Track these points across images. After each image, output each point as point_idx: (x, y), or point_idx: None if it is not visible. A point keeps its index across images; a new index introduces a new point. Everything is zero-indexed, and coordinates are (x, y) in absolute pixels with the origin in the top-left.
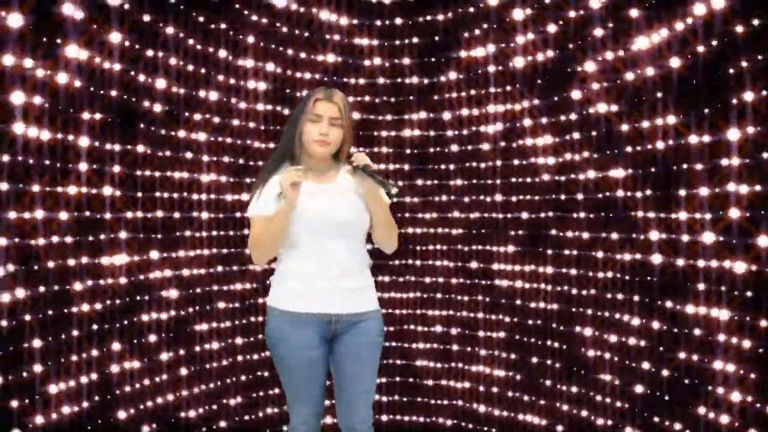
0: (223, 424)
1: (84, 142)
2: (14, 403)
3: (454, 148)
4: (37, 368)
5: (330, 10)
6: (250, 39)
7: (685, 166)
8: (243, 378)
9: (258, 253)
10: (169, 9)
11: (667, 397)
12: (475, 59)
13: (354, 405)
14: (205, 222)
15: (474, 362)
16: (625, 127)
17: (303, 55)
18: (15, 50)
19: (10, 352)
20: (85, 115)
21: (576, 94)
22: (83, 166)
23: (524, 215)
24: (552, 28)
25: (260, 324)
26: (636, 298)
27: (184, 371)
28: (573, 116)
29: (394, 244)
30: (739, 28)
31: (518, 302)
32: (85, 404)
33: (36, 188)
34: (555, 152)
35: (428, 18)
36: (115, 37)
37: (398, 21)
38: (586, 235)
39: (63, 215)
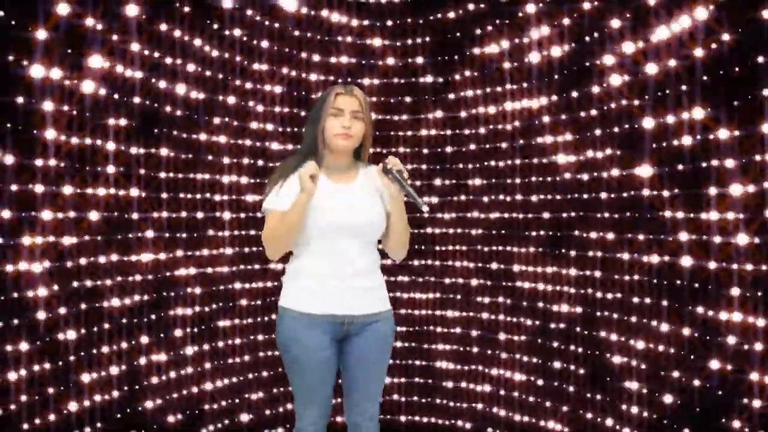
0: (244, 417)
1: (110, 146)
2: (50, 390)
3: (472, 146)
4: (71, 358)
5: (340, 12)
6: (264, 44)
7: (715, 162)
8: (264, 374)
9: (272, 246)
10: (185, 18)
11: (697, 409)
12: (489, 56)
13: (361, 403)
14: (227, 222)
15: (494, 365)
16: (648, 123)
17: (316, 57)
18: (43, 62)
19: (47, 343)
20: (111, 121)
21: (595, 89)
22: (111, 169)
23: (545, 215)
24: (566, 21)
25: None
26: (664, 302)
27: (208, 365)
28: (593, 112)
29: (404, 253)
30: None
31: (540, 305)
32: (115, 393)
33: (68, 190)
34: (576, 150)
35: (439, 16)
36: (134, 47)
37: (409, 20)
38: (611, 236)
39: (93, 215)
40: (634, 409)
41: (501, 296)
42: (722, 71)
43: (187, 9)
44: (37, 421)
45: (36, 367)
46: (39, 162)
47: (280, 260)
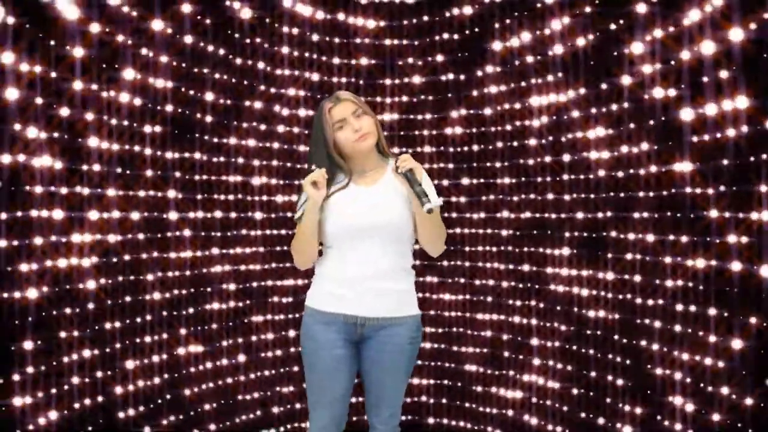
0: (275, 409)
1: (148, 151)
2: (99, 374)
3: (499, 144)
4: (117, 346)
5: (356, 15)
6: (285, 50)
7: (765, 156)
8: (295, 369)
9: (296, 258)
10: (209, 30)
11: (750, 431)
12: (511, 50)
13: (376, 405)
14: (259, 222)
15: (526, 371)
16: (686, 114)
17: (336, 60)
18: (83, 77)
19: (96, 331)
20: (147, 128)
21: (625, 80)
22: (149, 173)
23: (579, 215)
24: (589, 9)
25: None
26: (712, 311)
27: (242, 358)
28: (625, 104)
29: (438, 248)
30: None
31: (575, 309)
32: (156, 380)
33: (111, 192)
34: (609, 145)
35: (456, 12)
36: (163, 59)
37: (425, 18)
38: (650, 238)
39: (135, 215)
40: (678, 427)
41: (533, 299)
42: (766, 55)
43: (208, 21)
44: (87, 401)
45: (86, 353)
46: (85, 167)
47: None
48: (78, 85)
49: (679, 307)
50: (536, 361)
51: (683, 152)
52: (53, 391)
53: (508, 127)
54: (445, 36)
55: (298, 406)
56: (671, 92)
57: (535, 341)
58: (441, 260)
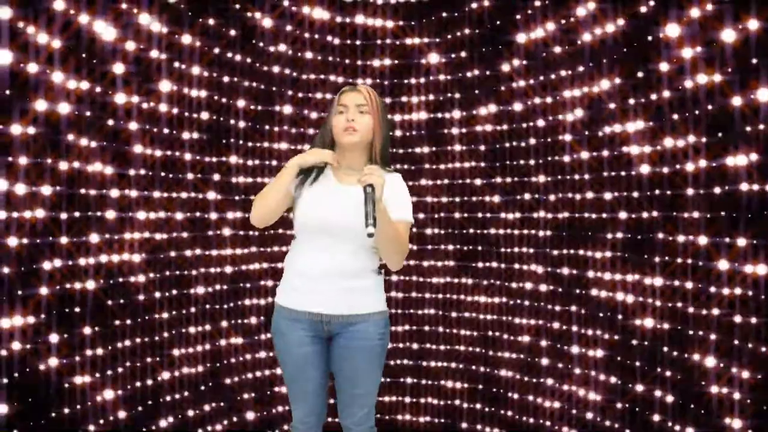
0: None
1: (188, 156)
2: (148, 360)
3: (532, 141)
4: (165, 335)
5: (374, 16)
6: (309, 54)
7: None
8: None
9: (253, 211)
10: (235, 40)
11: None
12: (535, 41)
13: (349, 406)
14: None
15: (566, 381)
16: (737, 101)
17: (360, 62)
18: (125, 90)
19: (145, 321)
20: (185, 135)
21: (664, 66)
22: (190, 176)
23: (622, 215)
24: None
25: None
26: None
27: None
28: (665, 93)
29: (393, 263)
30: None
31: (620, 317)
32: (200, 368)
33: (156, 194)
34: (652, 138)
35: (474, 6)
36: (195, 70)
37: (444, 14)
38: (703, 240)
39: (179, 215)
40: None
41: (573, 305)
42: None
43: (233, 32)
44: (138, 384)
45: (138, 340)
46: (132, 172)
47: None
48: (121, 98)
49: (737, 318)
50: (577, 371)
51: (736, 144)
52: (108, 372)
53: (541, 123)
54: (467, 31)
55: (332, 401)
56: (716, 77)
57: (575, 349)
58: (475, 261)
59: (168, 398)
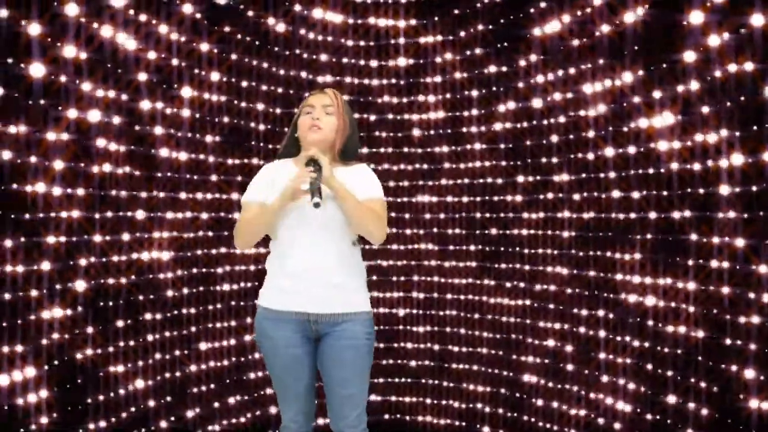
0: None
1: (211, 159)
2: (176, 352)
3: (554, 138)
4: (192, 329)
5: (387, 16)
6: (324, 57)
7: None
8: None
9: (241, 238)
10: (251, 46)
11: None
12: (551, 35)
13: (340, 409)
14: None
15: (593, 389)
16: None
17: (374, 63)
18: (149, 97)
19: (174, 315)
20: (208, 138)
21: (690, 56)
22: (213, 177)
23: (651, 215)
24: None
25: None
26: None
27: None
28: (693, 85)
29: (376, 237)
30: None
31: (650, 323)
32: (225, 362)
33: (183, 195)
34: (681, 133)
35: (486, 0)
36: (214, 77)
37: (456, 11)
38: (740, 242)
39: (204, 215)
40: None
41: (601, 309)
42: None
43: (248, 38)
44: (167, 375)
45: (167, 334)
46: (159, 174)
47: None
48: (145, 104)
49: None
50: (604, 378)
51: None
52: (140, 363)
53: (562, 119)
54: (480, 27)
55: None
56: (748, 66)
57: (602, 356)
58: (498, 262)
59: (195, 390)
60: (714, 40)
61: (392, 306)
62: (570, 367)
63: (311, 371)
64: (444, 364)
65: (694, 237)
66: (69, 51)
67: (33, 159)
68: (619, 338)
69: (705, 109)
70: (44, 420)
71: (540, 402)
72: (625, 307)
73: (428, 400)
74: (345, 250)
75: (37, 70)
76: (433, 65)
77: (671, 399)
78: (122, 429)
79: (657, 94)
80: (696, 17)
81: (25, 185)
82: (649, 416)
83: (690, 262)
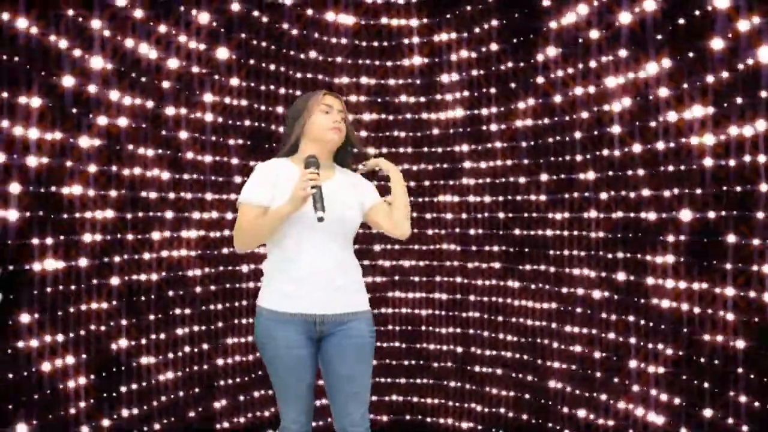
0: None
1: (234, 161)
2: (204, 346)
3: (577, 135)
4: (219, 324)
5: (398, 16)
6: (339, 59)
7: None
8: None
9: (244, 241)
10: (268, 51)
11: None
12: (568, 27)
13: (345, 407)
14: None
15: (622, 398)
16: None
17: (389, 63)
18: (174, 103)
19: (201, 311)
20: (231, 141)
21: (717, 43)
22: (237, 179)
23: (685, 215)
24: None
25: (389, 315)
26: None
27: None
28: (723, 74)
29: (407, 229)
30: None
31: (685, 331)
32: (250, 357)
33: (209, 196)
34: (714, 127)
35: None
36: (234, 82)
37: (468, 7)
38: None
39: (229, 215)
40: None
41: (631, 314)
42: None
43: (264, 44)
44: (196, 367)
45: (195, 328)
46: (186, 176)
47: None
48: (170, 110)
49: None
50: (635, 388)
51: None
52: (170, 356)
53: (585, 114)
54: (494, 22)
55: (374, 398)
56: None
57: (633, 363)
58: (523, 264)
59: (221, 383)
60: (743, 25)
61: (414, 307)
62: (598, 374)
63: (313, 371)
64: (467, 366)
65: (731, 239)
66: (96, 62)
67: (69, 163)
68: (651, 345)
69: (738, 100)
70: (82, 404)
71: (566, 409)
72: (657, 312)
73: (450, 403)
74: (347, 251)
75: (67, 81)
76: (449, 63)
77: (708, 413)
78: (152, 417)
79: (685, 85)
80: (721, 1)
81: (62, 188)
82: (683, 430)
83: (728, 266)
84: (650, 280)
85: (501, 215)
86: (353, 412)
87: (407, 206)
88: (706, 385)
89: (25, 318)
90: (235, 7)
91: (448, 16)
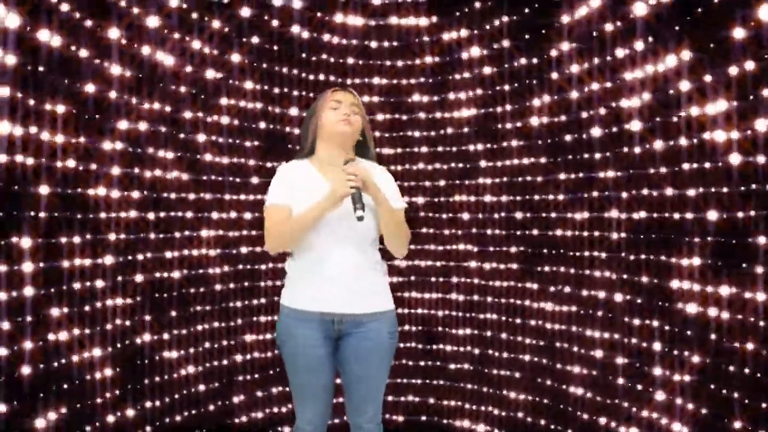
0: None
1: (251, 162)
2: (224, 342)
3: (595, 132)
4: (239, 321)
5: (408, 15)
6: (350, 60)
7: None
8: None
9: (277, 242)
10: (281, 54)
11: None
12: (580, 21)
13: (361, 405)
14: None
15: (645, 406)
16: None
17: (400, 63)
18: (191, 108)
19: (221, 308)
20: (247, 143)
21: (739, 33)
22: (255, 180)
23: (711, 215)
24: None
25: (405, 316)
26: None
27: None
28: (749, 65)
29: (401, 250)
30: None
31: (712, 337)
32: (268, 354)
33: (227, 197)
34: (739, 122)
35: None
36: (248, 85)
37: (477, 4)
38: None
39: (247, 215)
40: None
41: (655, 319)
42: None
43: (276, 47)
44: (215, 363)
45: (215, 324)
46: (205, 177)
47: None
48: (188, 114)
49: None
50: (659, 396)
51: None
52: (191, 351)
53: (602, 111)
54: (505, 18)
55: (390, 398)
56: None
57: (657, 371)
58: (541, 265)
59: (240, 378)
60: (764, 12)
61: (431, 307)
62: (620, 380)
63: (331, 371)
64: (484, 369)
65: (762, 240)
66: (115, 70)
67: (93, 166)
68: (676, 352)
69: (765, 93)
70: (108, 395)
71: (585, 416)
72: (683, 317)
73: (467, 405)
74: (373, 251)
75: (89, 88)
76: (461, 61)
77: (737, 425)
78: (174, 409)
79: (707, 78)
80: None
81: (87, 189)
82: None
83: (759, 270)
84: (675, 284)
85: (518, 215)
86: (368, 409)
87: (397, 226)
88: (735, 395)
89: (55, 312)
90: (246, 12)
91: (458, 13)
